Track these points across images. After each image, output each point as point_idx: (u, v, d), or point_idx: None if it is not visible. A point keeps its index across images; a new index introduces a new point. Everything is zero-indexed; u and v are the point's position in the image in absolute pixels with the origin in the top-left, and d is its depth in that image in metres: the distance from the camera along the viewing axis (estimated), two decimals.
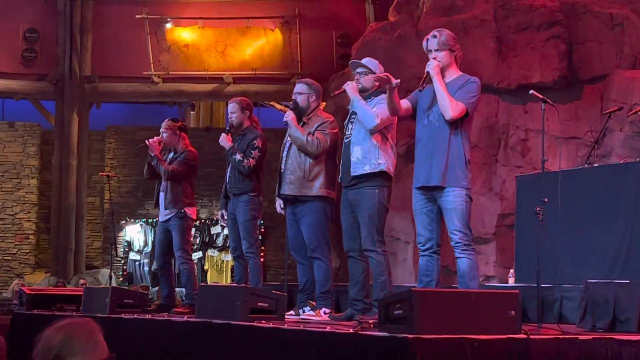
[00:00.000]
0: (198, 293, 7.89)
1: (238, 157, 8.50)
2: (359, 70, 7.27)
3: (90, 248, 19.13)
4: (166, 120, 9.63)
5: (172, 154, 9.49)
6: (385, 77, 6.37)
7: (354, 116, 7.22)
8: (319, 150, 7.66)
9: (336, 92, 7.50)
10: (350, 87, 7.15)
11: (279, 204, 8.10)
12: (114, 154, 19.53)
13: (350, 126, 7.23)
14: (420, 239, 6.48)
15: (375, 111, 6.96)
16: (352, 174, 7.05)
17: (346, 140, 7.23)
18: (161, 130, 9.48)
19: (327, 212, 7.79)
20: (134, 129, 19.40)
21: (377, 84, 7.13)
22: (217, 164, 16.70)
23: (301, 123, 7.83)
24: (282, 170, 7.90)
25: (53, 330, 3.23)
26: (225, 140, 8.62)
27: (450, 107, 6.21)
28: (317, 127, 7.75)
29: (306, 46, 18.14)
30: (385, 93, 6.63)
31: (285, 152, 7.92)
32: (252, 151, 8.51)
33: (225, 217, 8.87)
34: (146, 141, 9.40)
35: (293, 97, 7.99)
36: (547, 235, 7.78)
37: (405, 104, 6.57)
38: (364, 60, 7.34)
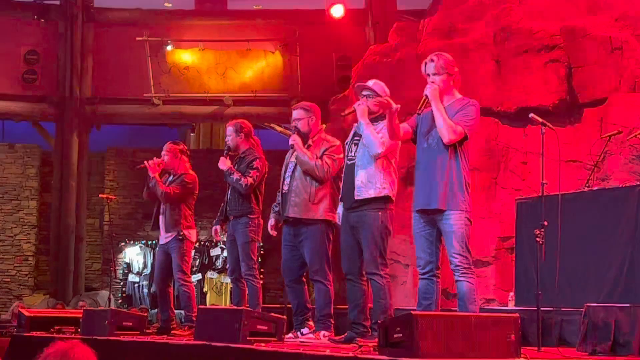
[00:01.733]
0: (197, 315, 7.88)
1: (235, 176, 8.51)
2: (365, 93, 7.21)
3: (89, 270, 19.10)
4: (168, 142, 9.65)
5: (171, 176, 9.50)
6: (386, 102, 6.38)
7: (357, 138, 7.18)
8: (328, 176, 7.68)
9: (347, 111, 7.41)
10: (361, 109, 7.04)
11: (270, 222, 8.10)
12: (113, 175, 19.53)
13: (354, 148, 7.20)
14: (419, 262, 6.48)
15: (381, 137, 6.93)
16: (356, 197, 7.03)
17: (349, 162, 7.20)
18: (162, 152, 9.50)
19: (329, 235, 7.80)
20: (133, 151, 19.40)
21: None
22: (217, 186, 16.68)
23: (306, 146, 7.84)
24: (284, 192, 7.90)
25: (58, 356, 3.21)
26: (223, 162, 8.65)
27: (448, 131, 6.22)
28: (324, 151, 7.75)
29: (306, 69, 18.18)
30: None
31: (289, 173, 7.90)
32: (250, 171, 8.52)
33: (219, 232, 8.89)
34: (145, 162, 9.40)
35: (293, 124, 7.99)
36: (547, 258, 7.77)
37: (404, 127, 6.58)
38: (370, 83, 7.28)
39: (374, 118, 7.15)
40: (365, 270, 7.11)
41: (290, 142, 7.83)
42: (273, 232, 8.16)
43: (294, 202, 7.77)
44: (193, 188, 9.42)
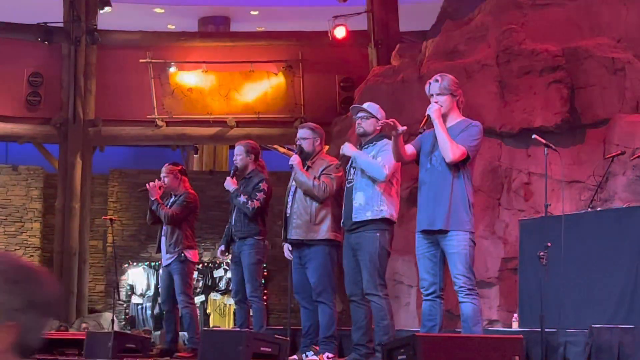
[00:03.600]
0: (201, 338, 7.88)
1: (242, 199, 8.52)
2: (360, 115, 7.33)
3: (92, 292, 19.08)
4: (166, 164, 9.66)
5: (172, 197, 9.51)
6: (392, 124, 6.39)
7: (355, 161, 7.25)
8: (326, 194, 7.68)
9: (339, 162, 7.57)
10: (347, 148, 7.24)
11: (287, 247, 8.09)
12: (117, 197, 19.54)
13: (352, 171, 7.26)
14: (423, 283, 6.48)
15: (381, 162, 6.97)
16: (353, 219, 7.07)
17: (348, 185, 7.26)
18: (162, 175, 9.51)
19: (333, 256, 7.80)
20: (137, 173, 19.42)
21: (378, 127, 7.16)
22: (220, 207, 16.70)
23: (305, 167, 7.86)
24: (287, 215, 7.91)
25: None
26: (229, 184, 8.66)
27: (450, 150, 6.24)
28: (322, 170, 7.79)
29: (309, 90, 18.20)
30: (388, 137, 6.67)
31: (290, 197, 7.93)
32: (257, 193, 8.53)
33: (224, 250, 8.89)
34: (146, 185, 9.41)
35: (297, 143, 8.02)
36: (551, 279, 7.77)
37: (409, 149, 6.60)
38: (365, 105, 7.40)
39: (370, 139, 7.22)
40: (364, 290, 7.11)
41: (290, 162, 7.85)
42: (290, 256, 8.14)
43: (296, 224, 7.79)
44: (195, 207, 9.43)
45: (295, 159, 7.84)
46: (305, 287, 7.90)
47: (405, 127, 6.40)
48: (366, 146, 7.23)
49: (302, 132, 8.05)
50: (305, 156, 7.94)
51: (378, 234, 7.03)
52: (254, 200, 8.49)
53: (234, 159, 8.93)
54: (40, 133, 18.32)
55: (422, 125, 6.38)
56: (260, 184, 8.58)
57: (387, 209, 7.00)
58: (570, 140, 11.55)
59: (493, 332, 9.14)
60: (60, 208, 18.03)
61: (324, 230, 7.72)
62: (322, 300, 7.71)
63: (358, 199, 7.07)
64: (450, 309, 9.80)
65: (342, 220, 7.40)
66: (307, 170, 7.84)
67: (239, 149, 8.86)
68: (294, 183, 7.93)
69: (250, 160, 8.78)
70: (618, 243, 8.74)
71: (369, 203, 7.01)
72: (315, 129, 8.05)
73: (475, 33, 13.26)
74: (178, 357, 8.66)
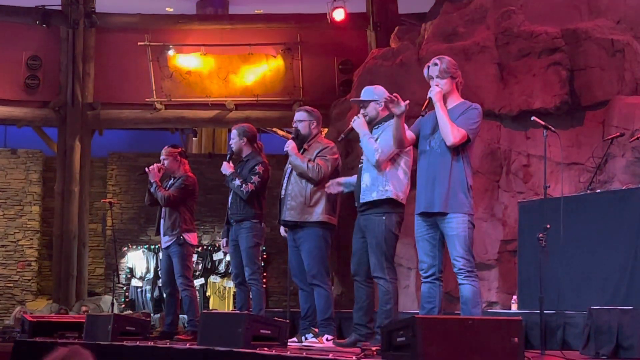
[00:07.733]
0: (200, 320, 7.89)
1: (237, 182, 8.51)
2: (361, 105, 7.29)
3: (92, 275, 19.08)
4: (166, 147, 9.66)
5: (171, 180, 9.51)
6: (395, 99, 6.35)
7: None
8: (320, 176, 7.69)
9: (345, 132, 7.47)
10: (357, 123, 7.14)
11: (283, 229, 8.11)
12: (116, 180, 19.51)
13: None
14: (422, 265, 6.48)
15: (376, 146, 6.94)
16: (360, 200, 7.06)
17: (360, 165, 7.22)
18: (162, 157, 9.51)
19: (327, 239, 7.79)
20: (136, 156, 19.40)
21: (379, 108, 7.12)
22: (219, 191, 16.69)
23: (301, 150, 7.87)
24: (282, 196, 7.93)
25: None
26: (226, 167, 8.65)
27: (451, 133, 6.23)
28: (317, 153, 7.79)
29: (308, 73, 18.17)
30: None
31: (286, 179, 7.95)
32: (252, 177, 8.53)
33: (227, 245, 8.88)
34: (146, 168, 9.42)
35: (294, 125, 8.04)
36: (550, 261, 7.78)
37: (409, 134, 6.58)
38: (361, 94, 7.34)
39: (379, 121, 7.17)
40: (372, 273, 7.10)
41: (285, 149, 7.86)
42: (286, 235, 8.15)
43: (291, 206, 7.80)
44: (193, 190, 9.43)
45: (289, 145, 7.85)
46: (301, 270, 7.91)
47: (407, 102, 6.37)
48: (376, 126, 7.18)
49: (298, 115, 8.07)
50: (301, 139, 7.96)
51: (384, 217, 6.99)
52: (249, 184, 8.48)
53: (229, 142, 8.94)
54: (39, 116, 18.30)
55: (423, 108, 6.36)
56: (256, 167, 8.57)
57: (392, 189, 6.95)
58: (570, 122, 11.55)
59: (492, 314, 9.16)
60: (59, 191, 18.03)
61: (318, 213, 7.73)
62: (316, 283, 7.72)
63: (365, 179, 7.05)
64: (450, 291, 9.82)
65: (355, 202, 7.34)
66: (303, 153, 7.85)
67: (233, 133, 8.87)
68: (290, 165, 7.94)
69: (245, 143, 8.77)
70: (617, 225, 8.75)
71: (374, 184, 6.98)
72: (312, 112, 8.06)
73: (474, 15, 13.23)
74: (178, 340, 8.67)
